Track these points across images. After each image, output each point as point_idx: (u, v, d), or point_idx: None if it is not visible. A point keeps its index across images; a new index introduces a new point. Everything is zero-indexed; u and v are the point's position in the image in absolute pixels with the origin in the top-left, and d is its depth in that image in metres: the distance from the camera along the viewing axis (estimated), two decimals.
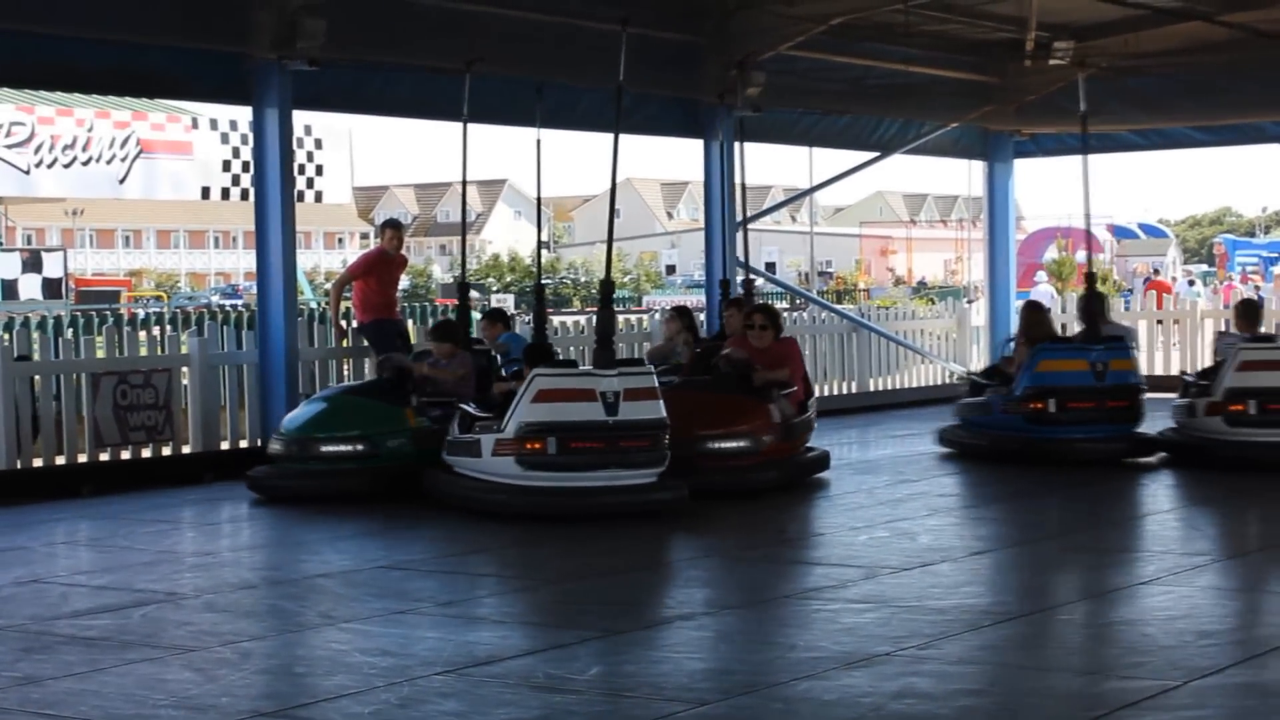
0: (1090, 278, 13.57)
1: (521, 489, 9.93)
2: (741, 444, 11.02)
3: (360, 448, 11.06)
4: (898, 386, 18.48)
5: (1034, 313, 13.26)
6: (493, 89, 14.05)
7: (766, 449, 11.11)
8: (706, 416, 11.02)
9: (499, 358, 12.57)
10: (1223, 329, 15.12)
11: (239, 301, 46.21)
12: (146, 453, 12.24)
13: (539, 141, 12.71)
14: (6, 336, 14.66)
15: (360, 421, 11.17)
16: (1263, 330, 13.03)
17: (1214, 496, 11.13)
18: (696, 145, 16.24)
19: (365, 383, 12.38)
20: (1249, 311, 13.19)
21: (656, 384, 10.24)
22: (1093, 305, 12.97)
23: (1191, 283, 39.23)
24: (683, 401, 10.75)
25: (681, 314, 13.62)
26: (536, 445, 9.83)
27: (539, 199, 13.35)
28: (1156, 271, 43.23)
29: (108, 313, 28.03)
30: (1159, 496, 11.37)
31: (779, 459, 11.26)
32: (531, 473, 9.89)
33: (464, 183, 12.86)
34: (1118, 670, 6.15)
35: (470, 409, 10.71)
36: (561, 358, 10.86)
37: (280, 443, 11.27)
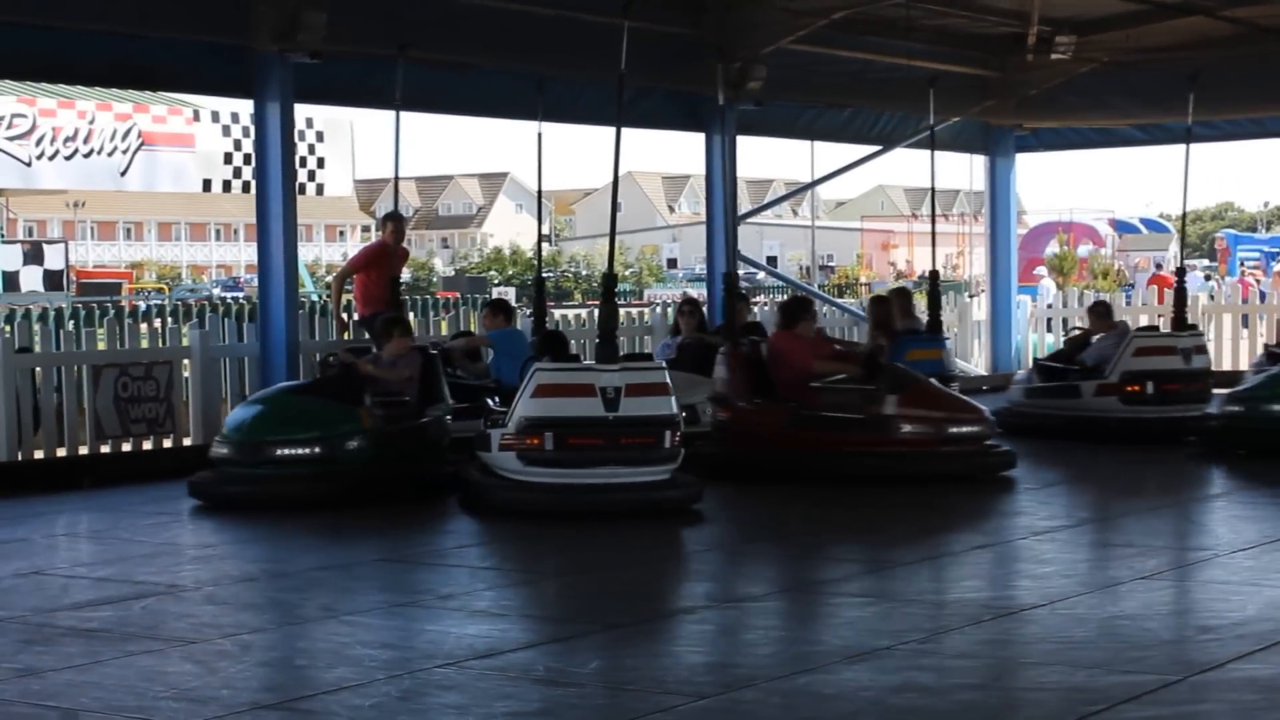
0: (934, 275, 14.96)
1: (523, 484, 9.81)
2: None
3: (317, 450, 10.36)
4: None
5: (888, 306, 14.39)
6: (495, 82, 14.07)
7: None
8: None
9: (488, 351, 12.56)
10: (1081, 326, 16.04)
11: (240, 294, 46.18)
12: (148, 445, 12.25)
13: (540, 135, 12.71)
14: (8, 328, 14.67)
15: (315, 423, 10.49)
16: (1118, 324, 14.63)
17: (1208, 490, 11.13)
18: (698, 139, 16.25)
19: (307, 382, 11.87)
20: (1106, 311, 14.62)
21: (666, 379, 10.05)
22: (937, 300, 14.52)
23: (1208, 277, 39.00)
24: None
25: (696, 308, 13.79)
26: (535, 440, 9.70)
27: (539, 192, 13.36)
28: (1159, 266, 43.12)
29: (109, 305, 28.02)
30: (1148, 486, 11.37)
31: None
32: (532, 468, 9.77)
33: (396, 179, 12.65)
34: (1118, 665, 6.15)
35: (493, 402, 10.57)
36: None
37: (226, 446, 10.53)
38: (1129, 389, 13.32)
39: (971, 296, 25.02)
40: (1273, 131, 18.81)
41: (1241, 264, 43.86)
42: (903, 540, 9.30)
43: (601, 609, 7.38)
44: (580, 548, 9.06)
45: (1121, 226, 55.73)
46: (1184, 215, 15.34)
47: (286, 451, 10.36)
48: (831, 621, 7.06)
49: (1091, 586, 7.82)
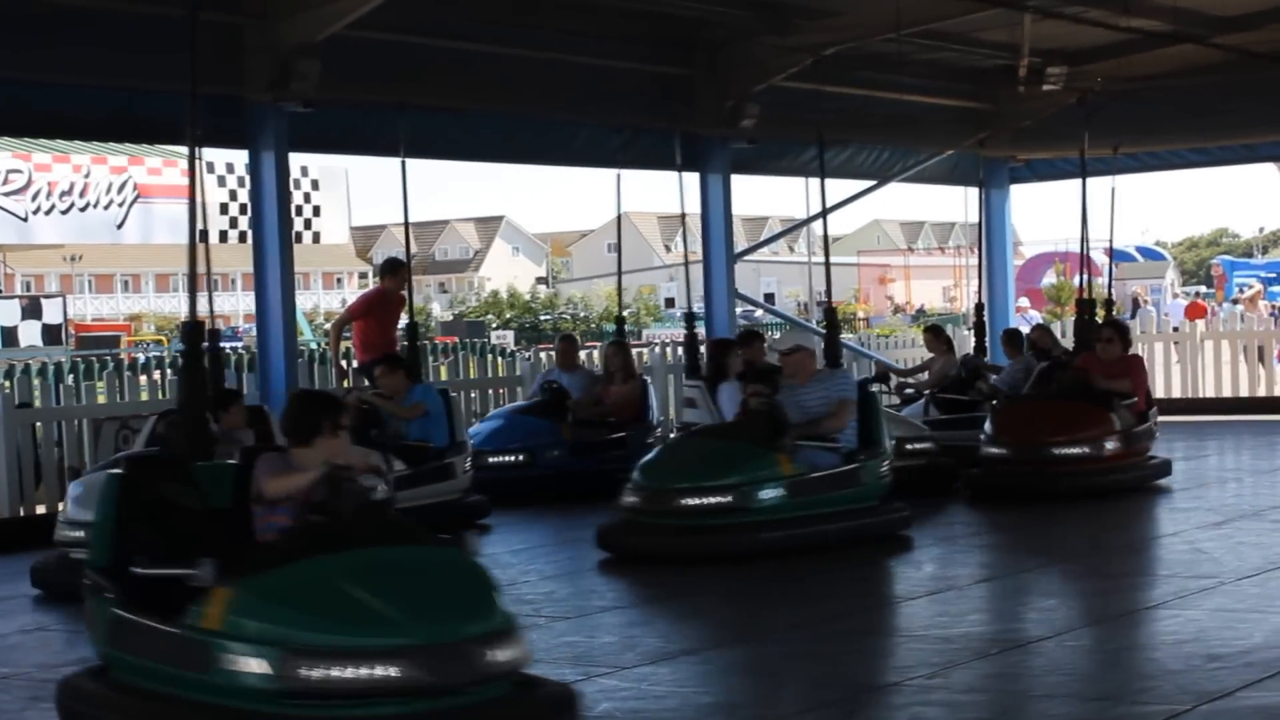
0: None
1: None
2: (1085, 450, 12.01)
3: None
4: None
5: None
6: (489, 125, 14.14)
7: (1111, 455, 12.09)
8: (1052, 425, 12.07)
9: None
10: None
11: (239, 343, 46.22)
12: None
13: (403, 165, 12.72)
14: (7, 384, 14.67)
15: None
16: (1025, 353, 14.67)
17: (1208, 521, 11.12)
18: (692, 178, 16.29)
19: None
20: (1014, 339, 15.02)
21: None
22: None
23: (1235, 302, 38.83)
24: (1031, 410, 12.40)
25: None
26: None
27: (406, 226, 13.30)
28: (1199, 295, 43.52)
29: (108, 358, 28.01)
30: (1152, 518, 11.35)
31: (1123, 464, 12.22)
32: None
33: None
34: (1127, 696, 6.13)
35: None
36: None
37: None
38: None
39: (968, 329, 25.01)
40: (1264, 156, 18.85)
41: (1240, 289, 43.88)
42: (904, 574, 9.28)
43: (604, 652, 7.36)
44: (573, 589, 9.04)
45: (1117, 255, 55.78)
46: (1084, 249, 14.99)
47: None
48: (837, 658, 7.04)
49: (1097, 618, 7.79)
